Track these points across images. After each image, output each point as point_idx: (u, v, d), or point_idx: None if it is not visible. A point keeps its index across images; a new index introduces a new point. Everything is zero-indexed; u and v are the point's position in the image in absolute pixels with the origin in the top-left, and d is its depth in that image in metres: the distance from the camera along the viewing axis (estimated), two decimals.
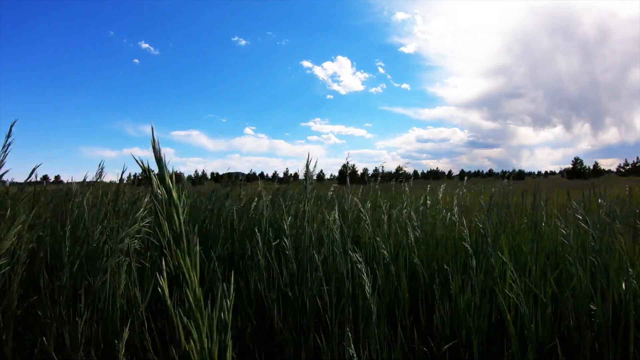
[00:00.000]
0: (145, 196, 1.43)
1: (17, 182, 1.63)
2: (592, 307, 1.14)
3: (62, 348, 1.10)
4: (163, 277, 0.44)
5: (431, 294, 1.48)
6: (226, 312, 0.41)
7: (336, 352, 1.26)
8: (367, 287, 1.15)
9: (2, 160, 1.08)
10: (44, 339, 1.11)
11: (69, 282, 1.19)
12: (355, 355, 0.96)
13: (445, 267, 1.47)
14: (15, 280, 1.12)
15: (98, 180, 1.78)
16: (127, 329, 0.87)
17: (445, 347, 1.29)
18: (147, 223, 1.23)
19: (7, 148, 1.08)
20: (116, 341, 0.93)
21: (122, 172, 1.80)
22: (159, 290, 0.45)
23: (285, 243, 1.40)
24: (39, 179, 1.74)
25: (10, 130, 1.09)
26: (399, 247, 1.64)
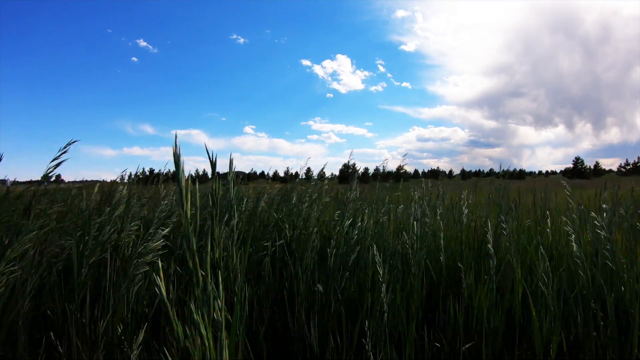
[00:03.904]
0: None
1: (20, 182, 1.63)
2: (593, 305, 1.14)
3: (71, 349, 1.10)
4: (160, 276, 0.44)
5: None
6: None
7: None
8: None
9: None
10: (53, 337, 1.10)
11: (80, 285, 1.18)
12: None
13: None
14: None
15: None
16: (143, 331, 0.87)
17: (464, 347, 1.26)
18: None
19: None
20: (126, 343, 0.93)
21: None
22: (156, 289, 0.45)
23: None
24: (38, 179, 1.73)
25: None
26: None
